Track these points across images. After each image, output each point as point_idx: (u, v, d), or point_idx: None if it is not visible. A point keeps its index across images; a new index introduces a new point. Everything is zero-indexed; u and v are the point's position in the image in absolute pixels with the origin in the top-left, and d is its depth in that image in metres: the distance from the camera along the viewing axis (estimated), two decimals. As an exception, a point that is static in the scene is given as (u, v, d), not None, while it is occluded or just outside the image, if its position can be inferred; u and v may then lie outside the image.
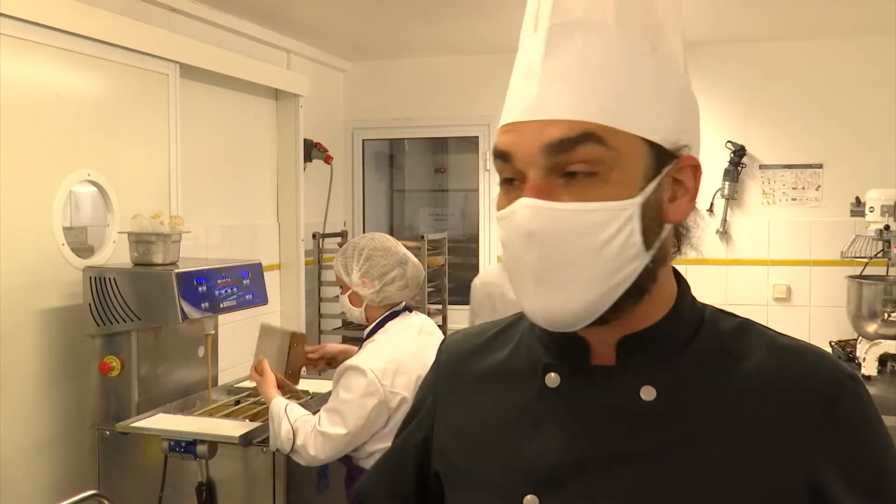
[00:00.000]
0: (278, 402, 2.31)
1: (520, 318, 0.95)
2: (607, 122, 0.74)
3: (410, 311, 2.49)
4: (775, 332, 0.84)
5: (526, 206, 0.74)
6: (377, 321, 2.42)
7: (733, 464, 0.75)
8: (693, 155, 0.80)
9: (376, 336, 2.39)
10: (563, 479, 0.79)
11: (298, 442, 2.21)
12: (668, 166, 0.78)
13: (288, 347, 2.66)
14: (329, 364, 2.73)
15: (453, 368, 0.96)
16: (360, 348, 2.41)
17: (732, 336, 0.82)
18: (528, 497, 0.80)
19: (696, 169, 0.80)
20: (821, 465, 0.75)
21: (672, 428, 0.77)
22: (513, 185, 0.77)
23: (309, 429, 2.22)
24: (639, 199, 0.75)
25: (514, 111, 0.77)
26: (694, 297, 0.86)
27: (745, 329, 0.83)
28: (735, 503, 0.75)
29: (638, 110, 0.75)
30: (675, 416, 0.78)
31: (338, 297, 2.53)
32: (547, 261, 0.74)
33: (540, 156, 0.74)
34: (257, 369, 2.46)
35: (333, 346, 2.79)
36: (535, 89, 0.75)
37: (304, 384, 2.88)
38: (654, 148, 0.76)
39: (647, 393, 0.78)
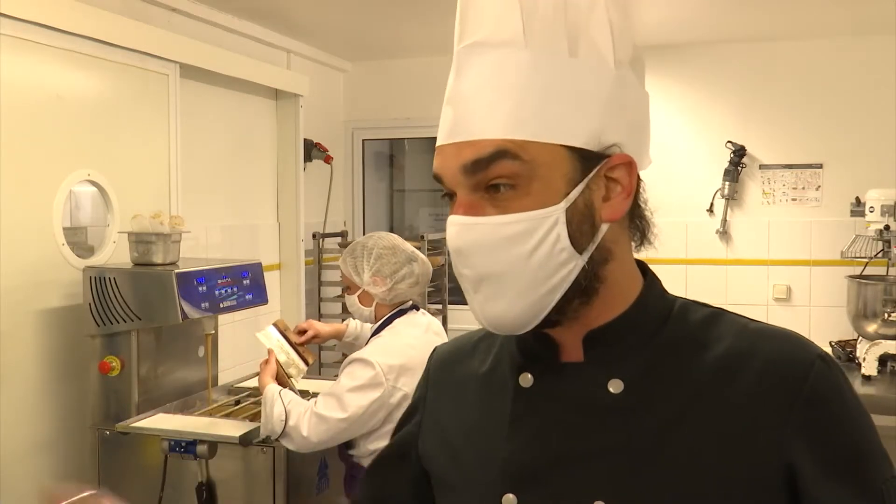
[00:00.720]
0: (272, 388, 2.30)
1: None
2: (519, 137, 0.76)
3: (418, 310, 2.49)
4: (748, 318, 0.84)
5: (452, 223, 0.79)
6: (385, 318, 2.42)
7: (706, 451, 0.76)
8: (626, 152, 0.80)
9: (384, 332, 2.39)
10: (539, 476, 0.81)
11: (290, 423, 2.19)
12: (597, 168, 0.78)
13: (286, 339, 2.68)
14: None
15: (441, 373, 0.99)
16: (367, 344, 2.41)
17: (702, 325, 0.83)
18: (508, 496, 0.81)
19: (629, 166, 0.80)
20: (793, 444, 0.74)
21: (642, 419, 0.78)
22: (453, 200, 0.81)
23: (302, 410, 2.21)
24: (562, 206, 0.77)
25: (440, 135, 0.81)
26: (664, 290, 0.86)
27: (716, 318, 0.84)
28: (711, 489, 0.75)
29: (554, 119, 0.77)
30: (644, 407, 0.78)
31: (340, 296, 2.53)
32: (478, 273, 0.78)
33: (461, 176, 0.78)
34: (266, 360, 2.47)
35: (322, 325, 2.77)
36: (451, 113, 0.79)
37: (305, 384, 2.88)
38: (577, 152, 0.77)
39: (615, 386, 0.80)
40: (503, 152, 0.76)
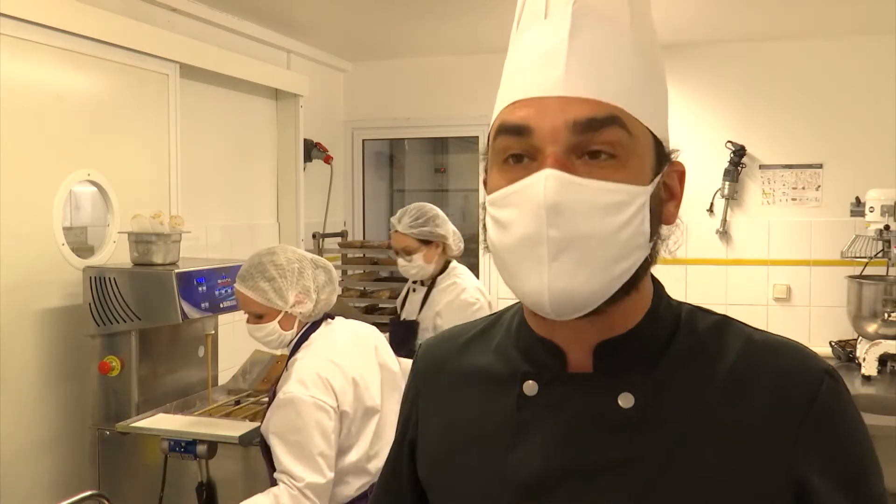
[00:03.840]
0: None
1: (496, 320, 0.94)
2: (627, 109, 0.75)
3: (333, 319, 2.27)
4: (753, 328, 0.84)
5: (553, 177, 0.72)
6: (299, 336, 2.19)
7: (716, 467, 0.75)
8: (680, 161, 0.82)
9: (300, 351, 2.15)
10: (546, 488, 0.79)
11: None
12: (665, 167, 0.79)
13: (269, 364, 2.72)
14: None
15: (431, 374, 0.95)
16: (286, 369, 2.15)
17: (710, 335, 0.82)
18: None
19: (682, 175, 0.82)
20: (802, 459, 0.75)
21: (653, 434, 0.77)
22: (521, 162, 0.75)
23: (294, 492, 1.96)
24: (650, 189, 0.76)
25: (533, 87, 0.75)
26: (669, 297, 0.85)
27: (723, 327, 0.83)
28: None
29: (649, 104, 0.77)
30: (654, 421, 0.77)
31: (256, 325, 2.19)
32: (569, 235, 0.72)
33: (566, 132, 0.73)
34: None
35: None
36: (560, 67, 0.74)
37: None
38: (657, 144, 0.78)
39: (626, 400, 0.78)
40: (616, 118, 0.74)
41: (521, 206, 0.73)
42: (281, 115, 4.18)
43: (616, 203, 0.73)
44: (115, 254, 2.94)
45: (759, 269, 4.40)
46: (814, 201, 4.32)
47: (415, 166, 5.84)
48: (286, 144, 4.19)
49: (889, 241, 3.59)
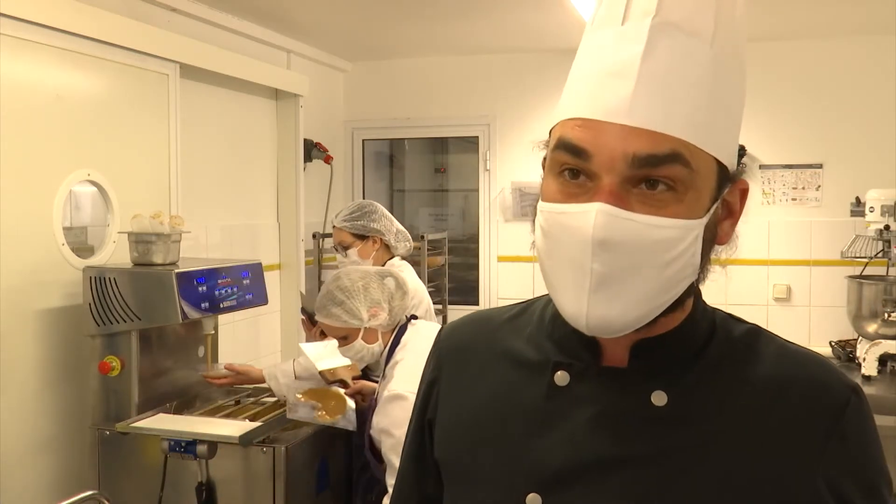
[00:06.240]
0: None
1: (528, 307, 0.93)
2: (691, 140, 0.72)
3: (416, 318, 2.44)
4: (783, 339, 0.84)
5: (603, 212, 0.71)
6: (392, 340, 2.35)
7: (740, 472, 0.76)
8: (745, 178, 0.80)
9: (398, 354, 2.30)
10: (568, 479, 0.79)
11: None
12: (727, 189, 0.78)
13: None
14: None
15: (455, 355, 0.95)
16: (383, 375, 2.31)
17: (743, 344, 0.83)
18: (531, 495, 0.80)
19: (744, 192, 0.81)
20: (825, 474, 0.76)
21: (681, 433, 0.77)
22: (578, 179, 0.74)
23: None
24: (704, 220, 0.75)
25: (597, 108, 0.72)
26: (705, 302, 0.86)
27: (755, 335, 0.84)
28: None
29: (716, 130, 0.75)
30: (684, 421, 0.78)
31: (345, 347, 2.32)
32: (611, 271, 0.72)
33: (623, 164, 0.71)
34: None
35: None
36: (628, 91, 0.71)
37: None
38: (720, 169, 0.76)
39: (659, 398, 0.78)
40: (677, 155, 0.71)
41: (569, 232, 0.73)
42: (281, 115, 4.18)
43: (666, 240, 0.72)
44: (115, 254, 2.94)
45: (759, 269, 4.40)
46: (814, 201, 4.33)
47: (415, 166, 5.84)
48: (286, 144, 4.19)
49: (889, 241, 3.59)
